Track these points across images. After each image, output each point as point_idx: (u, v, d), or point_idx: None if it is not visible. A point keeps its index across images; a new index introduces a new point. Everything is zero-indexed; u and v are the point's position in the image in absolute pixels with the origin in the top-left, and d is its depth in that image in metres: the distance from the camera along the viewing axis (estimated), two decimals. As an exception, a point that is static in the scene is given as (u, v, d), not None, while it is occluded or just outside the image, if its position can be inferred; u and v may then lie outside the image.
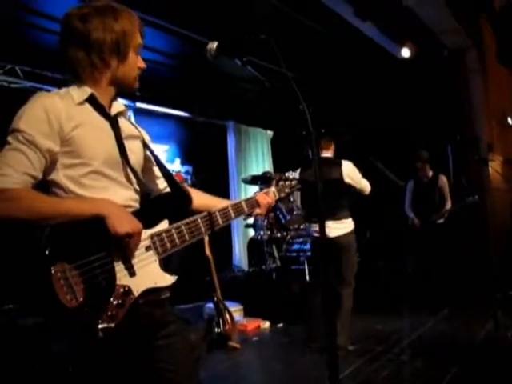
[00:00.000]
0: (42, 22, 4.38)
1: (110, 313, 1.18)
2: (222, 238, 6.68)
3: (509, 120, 7.21)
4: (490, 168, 5.61)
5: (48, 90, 1.36)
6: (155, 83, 5.64)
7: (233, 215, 1.59)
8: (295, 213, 5.87)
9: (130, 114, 5.84)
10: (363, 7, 5.18)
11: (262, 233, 5.98)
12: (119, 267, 1.24)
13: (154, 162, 1.53)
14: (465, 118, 6.55)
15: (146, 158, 1.51)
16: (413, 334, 4.03)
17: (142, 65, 1.44)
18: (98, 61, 1.34)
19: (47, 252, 1.14)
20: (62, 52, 1.35)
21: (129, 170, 1.38)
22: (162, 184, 1.56)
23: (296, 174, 3.89)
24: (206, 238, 3.91)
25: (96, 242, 1.20)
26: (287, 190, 1.86)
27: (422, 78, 6.36)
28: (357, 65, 5.99)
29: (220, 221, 1.52)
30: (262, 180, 6.06)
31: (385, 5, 5.28)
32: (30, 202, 1.18)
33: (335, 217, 3.70)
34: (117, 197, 1.31)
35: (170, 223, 1.38)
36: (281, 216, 6.11)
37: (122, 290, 1.22)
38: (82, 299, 1.14)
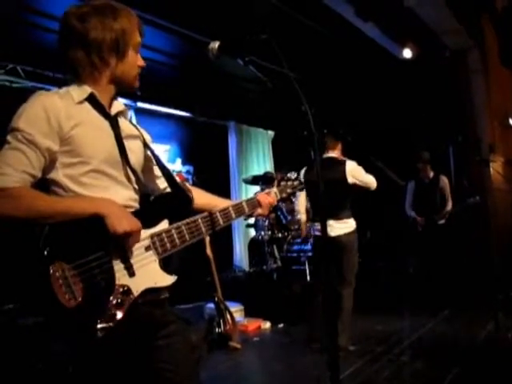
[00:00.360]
0: (43, 21, 4.38)
1: (109, 313, 1.17)
2: (223, 238, 6.68)
3: (510, 121, 7.20)
4: (491, 169, 5.60)
5: (49, 90, 1.36)
6: (156, 83, 5.64)
7: (234, 215, 1.59)
8: (296, 213, 5.88)
9: (131, 113, 5.85)
10: (365, 8, 5.17)
11: (262, 233, 5.98)
12: (118, 267, 1.23)
13: (155, 162, 1.52)
14: (466, 118, 6.54)
15: (146, 158, 1.51)
16: (413, 334, 4.03)
17: (142, 63, 1.44)
18: (98, 60, 1.34)
19: (46, 252, 1.13)
20: (62, 51, 1.35)
21: (128, 170, 1.38)
22: (163, 184, 1.56)
23: (300, 175, 3.91)
24: (207, 238, 3.91)
25: (95, 242, 1.20)
26: (289, 191, 1.84)
27: (423, 78, 6.35)
28: (358, 65, 5.99)
29: (221, 221, 1.52)
30: (263, 180, 6.07)
31: (386, 5, 5.28)
32: (30, 201, 1.18)
33: (337, 216, 3.70)
34: (117, 196, 1.31)
35: (171, 223, 1.38)
36: (282, 216, 6.12)
37: (121, 289, 1.22)
38: (80, 299, 1.14)
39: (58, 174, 1.26)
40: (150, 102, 6.12)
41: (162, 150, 6.31)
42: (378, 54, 6.01)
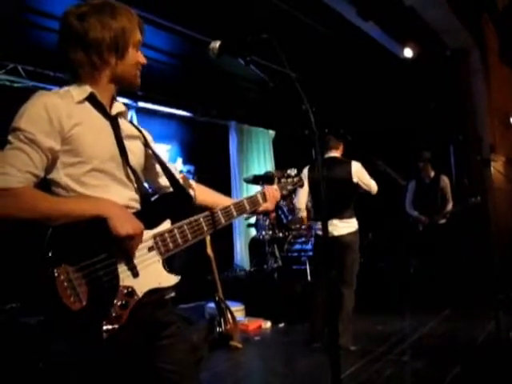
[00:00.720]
0: (44, 21, 4.39)
1: (114, 314, 1.17)
2: (224, 237, 6.69)
3: (511, 120, 7.20)
4: (492, 168, 5.60)
5: (50, 89, 1.36)
6: (157, 83, 5.64)
7: (235, 214, 1.59)
8: (297, 212, 5.88)
9: (132, 113, 5.85)
10: (366, 7, 5.17)
11: (263, 232, 5.98)
12: (122, 268, 1.23)
13: (156, 161, 1.52)
14: (467, 118, 6.54)
15: (147, 158, 1.51)
16: (414, 334, 4.02)
17: (143, 60, 1.44)
18: (97, 60, 1.34)
19: (50, 254, 1.13)
20: (61, 51, 1.36)
21: (129, 170, 1.38)
22: (166, 182, 1.55)
23: (304, 173, 3.92)
24: (208, 238, 3.91)
25: (98, 244, 1.20)
26: (289, 188, 1.84)
27: (424, 78, 6.35)
28: (359, 65, 5.99)
29: (222, 220, 1.52)
30: (263, 180, 6.06)
31: (387, 5, 5.27)
32: (33, 202, 1.18)
33: (341, 216, 3.72)
34: (118, 196, 1.31)
35: (173, 223, 1.38)
36: (282, 216, 6.12)
37: (125, 291, 1.22)
38: (85, 301, 1.14)
39: (59, 174, 1.26)
40: (151, 102, 6.13)
41: (163, 150, 6.31)
42: (378, 54, 6.01)
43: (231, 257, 7.13)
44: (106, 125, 1.36)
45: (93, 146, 1.28)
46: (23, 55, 4.70)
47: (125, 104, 1.49)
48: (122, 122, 1.43)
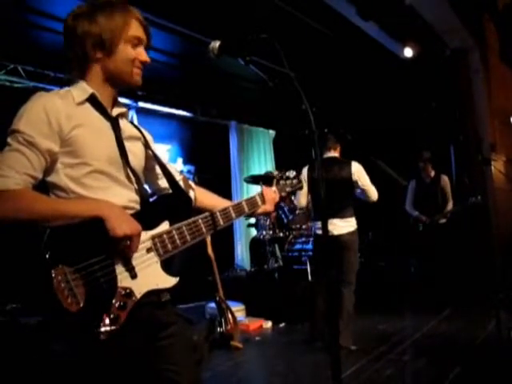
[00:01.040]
0: (44, 21, 4.39)
1: (112, 315, 1.17)
2: (224, 237, 6.69)
3: (512, 120, 7.20)
4: (492, 168, 5.60)
5: (50, 90, 1.36)
6: (158, 83, 5.65)
7: (234, 215, 1.58)
8: (297, 212, 5.88)
9: (132, 113, 5.85)
10: (365, 7, 5.17)
11: (264, 232, 5.98)
12: (120, 269, 1.23)
13: (156, 162, 1.52)
14: (467, 117, 6.54)
15: (147, 159, 1.51)
16: (415, 334, 4.02)
17: (143, 57, 1.39)
18: (82, 55, 1.34)
19: (47, 255, 1.13)
20: (64, 52, 1.38)
21: (129, 171, 1.37)
22: (166, 184, 1.55)
23: (303, 173, 3.92)
24: (208, 238, 3.91)
25: (96, 245, 1.20)
26: (288, 189, 1.83)
27: (424, 77, 6.35)
28: (359, 64, 5.99)
29: (221, 221, 1.52)
30: (264, 180, 6.06)
31: (387, 4, 5.27)
32: (31, 203, 1.18)
33: (342, 215, 3.74)
34: (118, 197, 1.31)
35: (171, 224, 1.37)
36: (283, 215, 6.12)
37: (123, 292, 1.21)
38: (83, 302, 1.14)
39: (59, 175, 1.26)
40: (152, 102, 6.14)
41: (163, 150, 6.32)
42: (378, 53, 6.01)
43: (232, 257, 7.14)
44: (106, 126, 1.35)
45: (93, 148, 1.28)
46: (23, 56, 4.70)
47: (125, 104, 1.49)
48: (122, 123, 1.43)
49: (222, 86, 6.32)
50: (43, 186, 1.28)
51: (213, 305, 4.18)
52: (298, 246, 5.92)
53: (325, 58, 5.83)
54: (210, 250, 4.01)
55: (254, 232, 6.84)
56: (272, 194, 1.76)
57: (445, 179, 5.54)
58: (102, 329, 1.15)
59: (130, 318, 1.20)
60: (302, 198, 3.99)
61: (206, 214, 1.48)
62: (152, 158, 1.52)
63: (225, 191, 6.86)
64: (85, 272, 1.16)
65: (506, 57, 7.14)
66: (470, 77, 6.60)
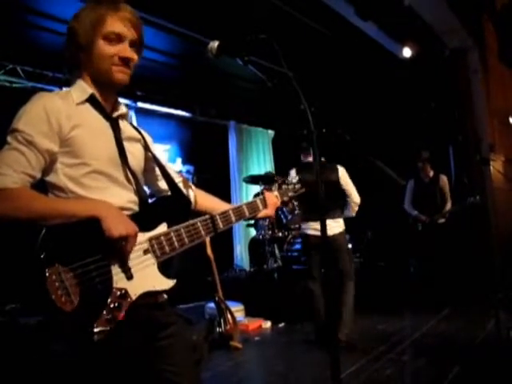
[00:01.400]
0: (43, 22, 4.39)
1: (106, 316, 1.16)
2: (224, 237, 6.69)
3: (510, 120, 7.20)
4: (491, 168, 5.61)
5: (49, 90, 1.37)
6: (156, 83, 5.65)
7: (234, 219, 1.57)
8: (297, 212, 5.88)
9: (131, 114, 5.85)
10: (364, 7, 5.17)
11: (263, 232, 5.98)
12: (116, 270, 1.22)
13: (156, 164, 1.52)
14: (466, 118, 6.54)
15: (147, 160, 1.51)
16: (414, 333, 4.02)
17: (123, 54, 1.33)
18: (73, 57, 1.35)
19: (42, 254, 1.13)
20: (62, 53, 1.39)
21: (128, 172, 1.37)
22: (165, 185, 1.54)
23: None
24: (208, 238, 3.91)
25: (92, 244, 1.19)
26: (290, 194, 1.82)
27: (423, 77, 6.35)
28: (358, 64, 5.99)
29: (220, 224, 1.50)
30: (263, 180, 6.07)
31: (386, 4, 5.28)
32: (28, 202, 1.18)
33: (332, 216, 3.90)
34: (116, 198, 1.31)
35: (170, 226, 1.37)
36: (282, 216, 6.12)
37: (118, 293, 1.21)
38: (77, 302, 1.13)
39: (58, 175, 1.26)
40: (151, 102, 6.14)
41: (162, 150, 6.31)
42: (377, 53, 6.01)
43: (231, 257, 7.14)
44: (105, 126, 1.35)
45: (92, 148, 1.28)
46: (22, 56, 4.70)
47: (124, 104, 1.49)
48: (122, 124, 1.43)
49: (221, 86, 6.32)
50: (42, 186, 1.28)
51: (212, 305, 4.18)
52: (297, 246, 5.92)
53: (323, 58, 5.83)
54: (209, 251, 4.01)
55: (253, 232, 6.84)
56: (274, 198, 1.75)
57: (443, 179, 5.54)
58: (96, 329, 1.14)
59: (127, 318, 1.20)
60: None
61: (206, 216, 1.47)
62: (151, 160, 1.52)
63: (224, 191, 6.86)
64: (80, 272, 1.15)
65: (505, 57, 7.15)
66: (468, 77, 6.60)
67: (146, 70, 5.41)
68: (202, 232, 1.43)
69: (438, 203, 5.46)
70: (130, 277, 1.24)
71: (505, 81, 7.23)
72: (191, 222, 1.41)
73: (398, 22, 5.66)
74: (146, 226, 1.31)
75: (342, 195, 4.04)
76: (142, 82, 5.40)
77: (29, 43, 4.65)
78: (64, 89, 1.38)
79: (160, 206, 1.43)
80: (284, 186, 1.82)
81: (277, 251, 5.98)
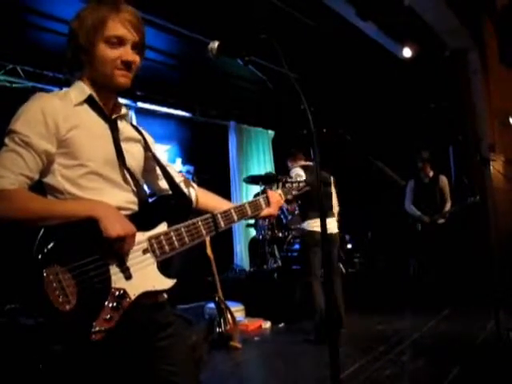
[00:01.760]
0: (43, 22, 4.39)
1: (104, 316, 1.16)
2: (224, 237, 6.69)
3: (511, 120, 7.19)
4: (491, 168, 5.60)
5: (49, 90, 1.37)
6: (156, 83, 5.64)
7: (236, 218, 1.55)
8: (297, 213, 5.88)
9: (131, 114, 5.85)
10: (364, 7, 5.17)
11: (263, 233, 5.98)
12: (114, 270, 1.21)
13: (156, 164, 1.51)
14: (466, 118, 6.54)
15: (147, 160, 1.50)
16: (414, 333, 4.02)
17: (126, 57, 1.31)
18: (75, 58, 1.34)
19: (40, 254, 1.12)
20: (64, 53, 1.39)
21: (126, 173, 1.36)
22: (166, 185, 1.53)
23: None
24: (208, 238, 3.91)
25: (90, 245, 1.18)
26: (294, 193, 1.80)
27: (423, 78, 6.35)
28: (358, 65, 5.99)
29: (222, 223, 1.48)
30: (263, 180, 6.07)
31: (386, 5, 5.28)
32: (25, 203, 1.18)
33: (331, 214, 4.17)
34: (114, 199, 1.30)
35: (170, 226, 1.35)
36: (282, 216, 6.12)
37: (117, 293, 1.20)
38: (75, 302, 1.13)
39: (56, 177, 1.26)
40: (151, 102, 6.13)
41: (162, 150, 6.31)
42: (377, 54, 6.01)
43: (231, 257, 7.13)
44: (103, 127, 1.34)
45: (89, 149, 1.28)
46: (22, 56, 4.70)
47: (124, 104, 1.48)
48: (121, 124, 1.42)
49: (221, 87, 6.32)
50: (40, 188, 1.28)
51: (212, 305, 4.18)
52: (296, 246, 5.92)
53: (324, 59, 5.84)
54: (209, 251, 4.02)
55: (253, 232, 6.84)
56: (277, 196, 1.72)
57: (443, 179, 5.55)
58: (94, 329, 1.13)
59: (125, 319, 1.19)
60: None
61: (207, 215, 1.45)
62: (152, 160, 1.51)
63: (224, 191, 6.85)
64: (78, 272, 1.15)
65: (505, 57, 7.14)
66: (469, 77, 6.60)
67: (146, 70, 5.36)
68: (203, 231, 1.42)
69: (437, 203, 5.46)
70: (128, 277, 1.24)
71: (505, 81, 7.22)
72: (192, 221, 1.40)
73: (398, 23, 5.66)
74: (145, 226, 1.31)
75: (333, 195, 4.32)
76: (142, 82, 5.39)
77: (29, 43, 4.65)
78: (64, 89, 1.37)
79: (160, 206, 1.42)
80: (288, 185, 1.80)
81: (277, 251, 5.98)
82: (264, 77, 1.48)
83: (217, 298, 3.97)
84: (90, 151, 1.28)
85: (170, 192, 1.49)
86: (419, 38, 6.08)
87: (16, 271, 1.14)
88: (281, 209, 6.11)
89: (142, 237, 1.28)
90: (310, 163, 4.15)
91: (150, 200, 1.45)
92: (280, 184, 1.80)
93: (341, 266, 5.52)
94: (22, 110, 1.24)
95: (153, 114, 6.30)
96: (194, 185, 1.66)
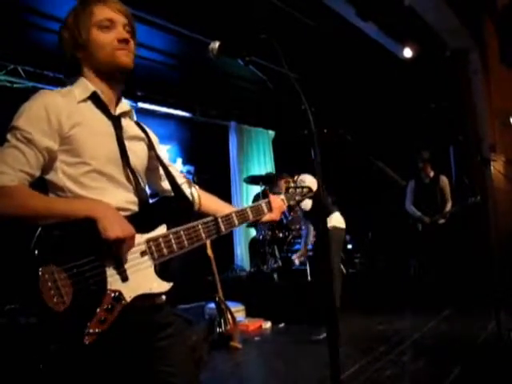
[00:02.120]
0: (44, 22, 4.39)
1: (99, 318, 1.15)
2: (224, 238, 6.66)
3: (511, 120, 7.19)
4: (492, 168, 5.60)
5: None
6: (157, 83, 5.64)
7: (237, 222, 1.53)
8: (298, 213, 5.89)
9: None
10: (365, 7, 5.17)
11: (263, 233, 5.98)
12: (111, 272, 1.20)
13: (159, 164, 1.50)
14: (467, 118, 6.54)
15: (151, 160, 1.49)
16: (414, 334, 4.02)
17: (120, 36, 1.33)
18: (73, 59, 1.36)
19: (36, 253, 1.11)
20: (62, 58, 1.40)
21: (129, 171, 1.35)
22: (169, 186, 1.51)
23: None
24: (208, 239, 3.90)
25: (87, 245, 1.17)
26: (298, 198, 1.78)
27: (424, 78, 6.35)
28: (358, 65, 5.99)
29: (223, 228, 1.47)
30: (263, 180, 6.07)
31: (386, 5, 5.27)
32: (24, 200, 1.17)
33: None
34: (115, 198, 1.29)
35: (170, 228, 1.34)
36: (282, 216, 6.12)
37: (112, 294, 1.18)
38: (69, 303, 1.12)
39: (58, 174, 1.25)
40: (151, 102, 6.13)
41: (163, 150, 6.31)
42: (378, 54, 6.01)
43: (231, 257, 7.13)
44: (107, 125, 1.34)
45: (92, 147, 1.27)
46: (23, 56, 4.70)
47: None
48: (125, 122, 1.41)
49: (222, 87, 6.32)
50: (43, 185, 1.27)
51: (212, 305, 4.18)
52: (297, 247, 5.92)
53: (324, 59, 5.83)
54: (209, 251, 4.02)
55: (253, 232, 6.84)
56: (279, 202, 1.71)
57: (444, 180, 5.54)
58: (87, 330, 1.13)
59: (121, 320, 1.18)
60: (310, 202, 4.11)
61: (208, 219, 1.43)
62: (155, 159, 1.50)
63: (224, 192, 6.86)
64: (73, 272, 1.14)
65: (506, 57, 7.13)
66: (469, 77, 6.60)
67: (146, 71, 5.42)
68: (203, 235, 1.40)
69: (438, 203, 5.46)
70: (125, 279, 1.22)
71: (506, 81, 7.21)
72: (192, 224, 1.38)
73: (398, 23, 5.66)
74: (144, 227, 1.29)
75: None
76: (143, 82, 5.40)
77: (30, 43, 4.65)
78: (67, 86, 1.36)
79: (161, 207, 1.41)
80: (291, 190, 1.78)
81: (277, 252, 5.99)
82: (264, 77, 1.48)
83: (217, 298, 3.97)
84: (93, 149, 1.27)
85: (172, 193, 1.47)
86: (420, 38, 6.07)
87: (12, 269, 1.14)
88: (283, 212, 6.13)
89: (140, 239, 1.27)
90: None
91: (151, 201, 1.43)
92: (284, 189, 1.78)
93: (341, 266, 5.52)
94: (24, 106, 1.24)
95: (153, 114, 6.30)
96: (197, 187, 1.65)
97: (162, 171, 1.52)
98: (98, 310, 1.15)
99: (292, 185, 1.80)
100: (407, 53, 6.13)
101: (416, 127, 6.55)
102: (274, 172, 7.58)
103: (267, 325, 4.77)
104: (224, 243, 6.53)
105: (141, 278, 1.25)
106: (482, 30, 6.77)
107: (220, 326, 3.91)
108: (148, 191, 1.54)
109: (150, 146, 1.48)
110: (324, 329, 3.88)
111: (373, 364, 3.29)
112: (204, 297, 4.63)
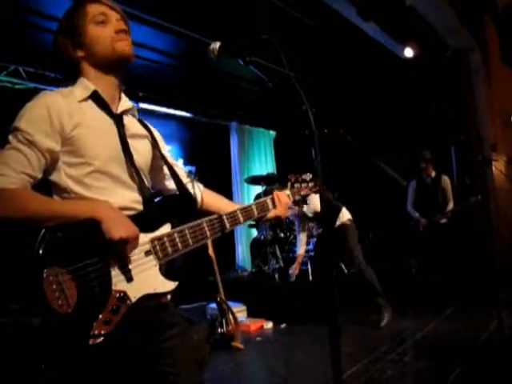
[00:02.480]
0: (45, 22, 4.39)
1: (104, 319, 1.14)
2: (226, 238, 6.67)
3: (512, 119, 7.18)
4: (493, 168, 5.59)
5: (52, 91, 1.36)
6: (158, 83, 5.64)
7: (241, 219, 1.52)
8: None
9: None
10: (366, 7, 5.16)
11: (265, 233, 5.98)
12: (115, 272, 1.19)
13: (164, 163, 1.49)
14: (468, 117, 6.53)
15: (154, 158, 1.48)
16: (416, 334, 4.02)
17: (117, 27, 1.35)
18: (71, 60, 1.36)
19: (41, 255, 1.11)
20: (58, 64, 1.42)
21: (133, 170, 1.34)
22: (173, 185, 1.50)
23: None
24: (209, 239, 3.90)
25: (91, 246, 1.17)
26: (303, 193, 1.75)
27: (425, 78, 6.34)
28: (360, 65, 5.98)
29: (227, 224, 1.46)
30: (264, 180, 6.06)
31: (388, 5, 5.27)
32: (26, 202, 1.16)
33: None
34: (119, 198, 1.28)
35: (174, 227, 1.33)
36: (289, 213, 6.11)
37: (117, 295, 1.18)
38: (74, 305, 1.11)
39: (61, 175, 1.25)
40: (152, 103, 6.13)
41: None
42: (379, 54, 6.00)
43: (233, 257, 7.13)
44: (109, 123, 1.33)
45: (95, 147, 1.26)
46: (24, 57, 4.71)
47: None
48: (127, 120, 1.40)
49: (223, 87, 6.32)
50: (47, 186, 1.27)
51: (214, 305, 4.18)
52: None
53: (325, 59, 5.83)
54: (211, 251, 4.01)
55: (254, 233, 6.84)
56: (285, 197, 1.68)
57: (445, 180, 5.54)
58: (92, 332, 1.12)
59: (126, 321, 1.17)
60: (317, 201, 4.05)
61: (212, 216, 1.43)
62: (159, 158, 1.48)
63: (225, 192, 6.80)
64: (78, 274, 1.13)
65: (507, 57, 7.13)
66: (470, 77, 6.59)
67: (147, 71, 5.42)
68: (208, 233, 1.39)
69: (439, 203, 5.46)
70: (129, 279, 1.22)
71: (507, 81, 7.21)
72: (197, 222, 1.38)
73: (399, 23, 5.65)
74: (149, 226, 1.29)
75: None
76: (144, 82, 5.40)
77: (31, 44, 4.65)
78: (68, 87, 1.36)
79: (165, 206, 1.40)
80: (296, 185, 1.75)
81: (278, 252, 5.98)
82: (265, 77, 1.48)
83: (218, 299, 3.97)
84: (95, 148, 1.26)
85: (177, 192, 1.46)
86: (421, 38, 6.07)
87: (16, 271, 1.13)
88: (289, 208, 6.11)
89: (144, 238, 1.26)
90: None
91: (156, 199, 1.42)
92: (289, 184, 1.74)
93: (342, 266, 5.52)
94: (26, 107, 1.24)
95: (154, 114, 6.29)
96: (201, 185, 1.64)
97: (166, 170, 1.51)
98: (103, 311, 1.15)
99: (299, 179, 1.76)
100: (408, 53, 6.12)
101: (417, 127, 6.54)
102: (276, 172, 7.58)
103: (269, 325, 4.76)
104: (225, 243, 6.52)
105: (146, 278, 1.25)
106: (483, 30, 6.76)
107: (221, 327, 3.91)
108: (152, 190, 1.53)
109: (155, 145, 1.48)
110: (385, 316, 3.91)
111: (374, 364, 3.29)
112: (205, 297, 4.63)
